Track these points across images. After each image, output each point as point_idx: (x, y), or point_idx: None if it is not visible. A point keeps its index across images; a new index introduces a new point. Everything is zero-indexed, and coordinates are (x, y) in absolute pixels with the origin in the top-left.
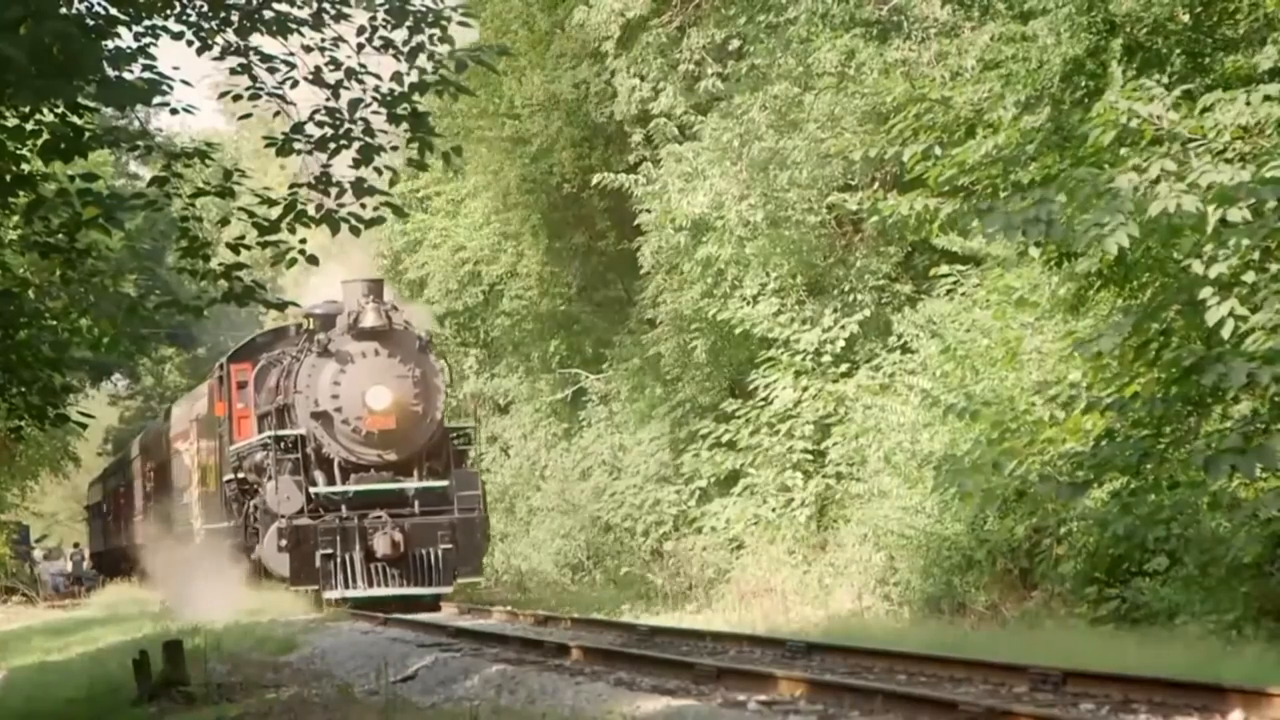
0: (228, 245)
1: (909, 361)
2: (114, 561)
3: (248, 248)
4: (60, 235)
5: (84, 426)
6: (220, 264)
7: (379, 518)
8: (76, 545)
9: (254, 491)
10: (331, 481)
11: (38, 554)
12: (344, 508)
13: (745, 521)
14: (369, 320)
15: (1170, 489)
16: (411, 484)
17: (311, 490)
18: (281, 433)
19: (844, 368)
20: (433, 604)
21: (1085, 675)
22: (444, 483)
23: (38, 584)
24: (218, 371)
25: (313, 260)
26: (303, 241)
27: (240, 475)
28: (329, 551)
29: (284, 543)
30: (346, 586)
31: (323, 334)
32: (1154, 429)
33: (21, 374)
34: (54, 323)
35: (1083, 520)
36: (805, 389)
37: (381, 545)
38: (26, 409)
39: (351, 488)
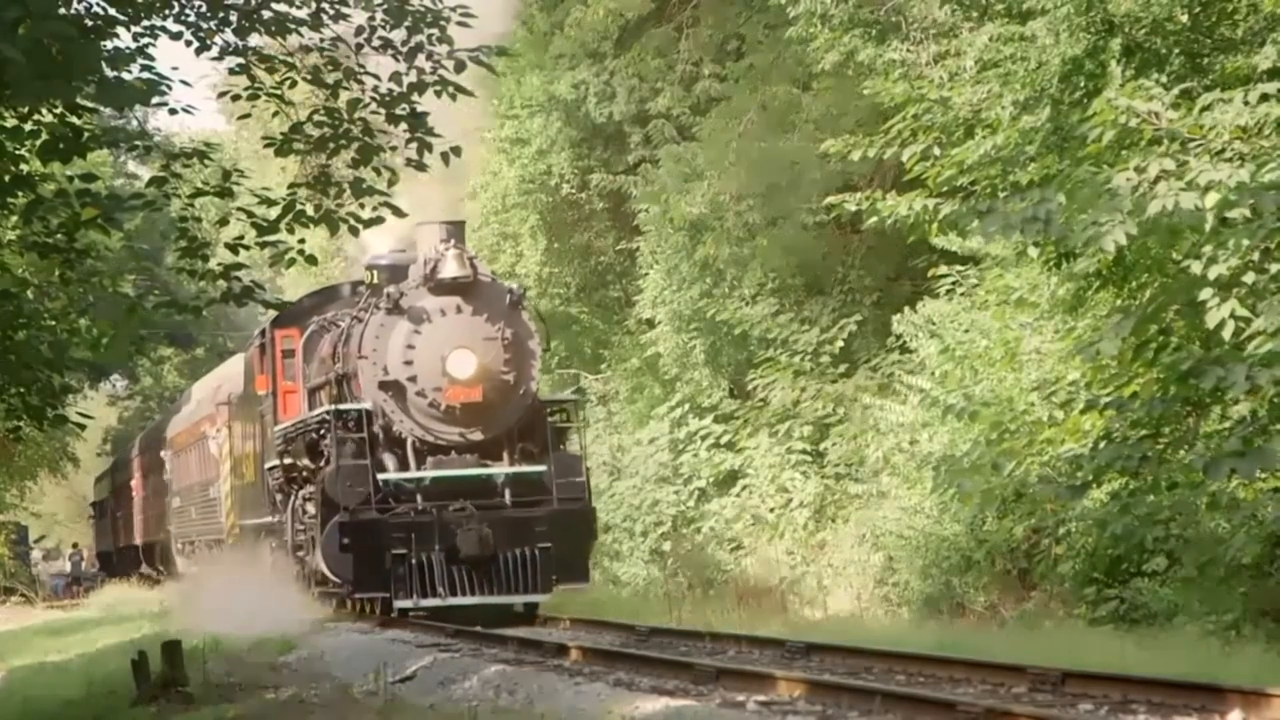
0: (226, 245)
1: (908, 362)
2: (122, 562)
3: (246, 248)
4: (59, 236)
5: (82, 427)
6: (219, 264)
7: (463, 510)
8: (75, 545)
9: (305, 480)
10: (404, 466)
11: (36, 554)
12: (419, 498)
13: (744, 522)
14: (450, 269)
15: (1169, 489)
16: (502, 469)
17: (380, 477)
18: (343, 407)
19: (843, 368)
20: (527, 616)
21: (1084, 676)
22: (540, 468)
23: (36, 584)
24: (258, 340)
25: (311, 260)
26: (301, 241)
27: (287, 461)
28: (402, 551)
29: (346, 540)
30: (423, 594)
31: (392, 287)
32: (1153, 430)
33: (20, 374)
34: (53, 323)
35: (1081, 521)
36: (804, 389)
37: (467, 544)
38: (25, 409)
39: (429, 473)
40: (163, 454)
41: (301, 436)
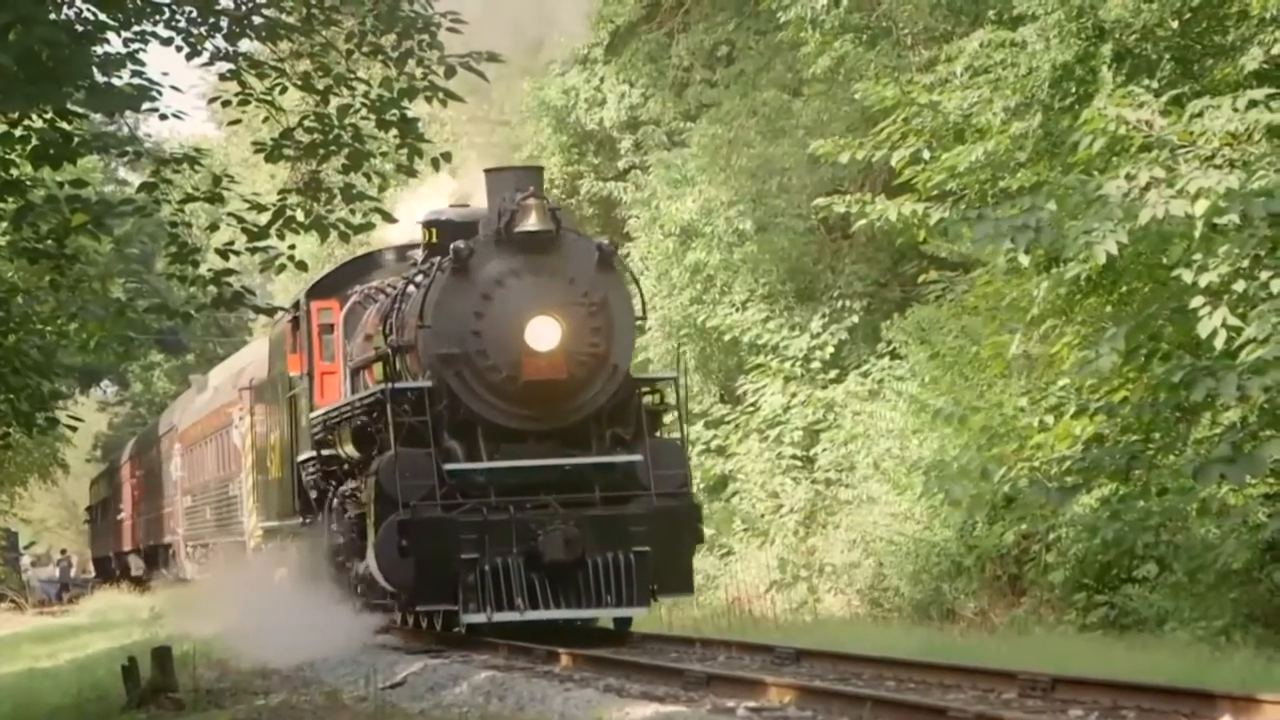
0: (217, 251)
1: (898, 367)
2: (120, 569)
3: (237, 253)
4: (49, 241)
5: (73, 429)
6: (209, 270)
7: (545, 508)
8: (64, 552)
9: (347, 473)
10: (474, 455)
11: (26, 560)
12: (492, 493)
13: (735, 527)
14: (530, 222)
15: (1159, 495)
16: (590, 459)
17: (445, 467)
18: (401, 385)
19: (833, 374)
20: (621, 632)
21: (1074, 681)
22: (635, 457)
23: (26, 590)
24: (291, 314)
25: (301, 266)
26: (292, 247)
27: (326, 452)
28: (472, 556)
29: (405, 542)
30: (498, 606)
31: (460, 243)
32: (1143, 434)
33: (10, 380)
34: (42, 328)
35: (1072, 526)
36: (794, 395)
37: (550, 547)
38: (15, 415)
39: (503, 464)
40: (172, 449)
41: (346, 422)
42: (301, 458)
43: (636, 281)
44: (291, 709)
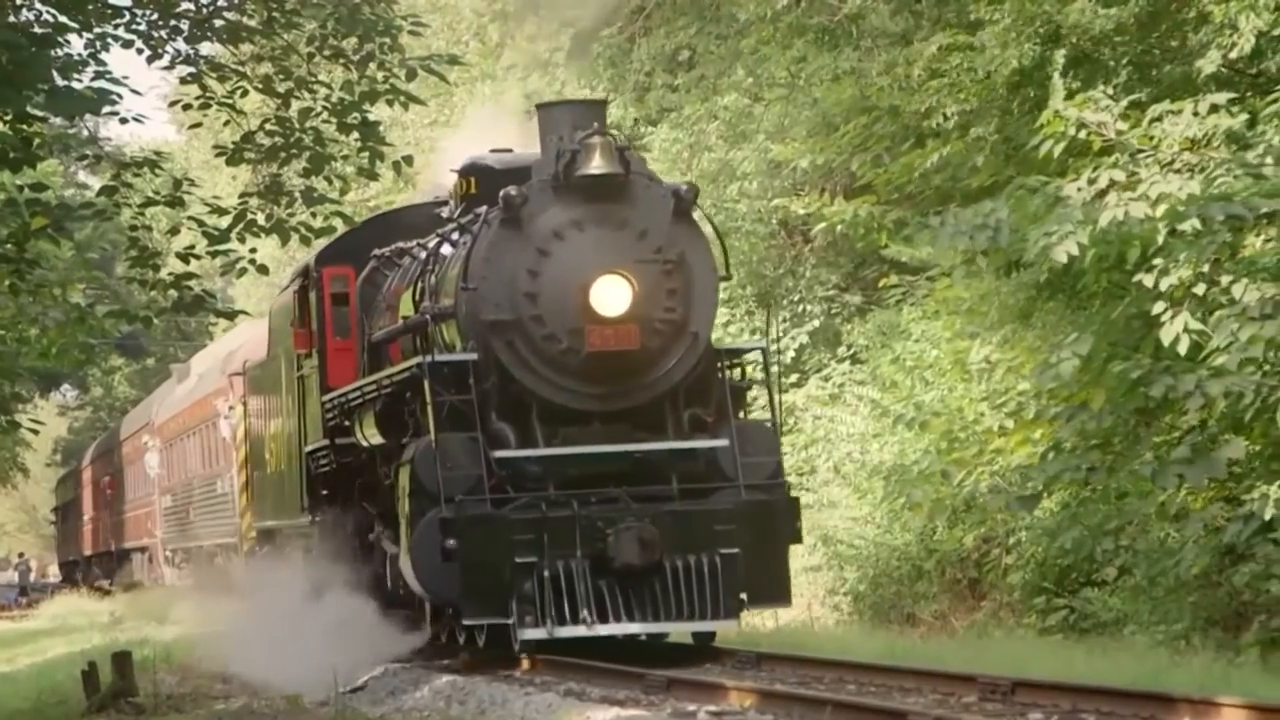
0: (178, 255)
1: (858, 372)
2: (89, 574)
3: (197, 257)
4: (9, 245)
5: (35, 433)
6: (170, 274)
7: (614, 502)
8: (21, 555)
9: (366, 467)
10: (528, 440)
11: None
12: (551, 485)
13: None
14: (594, 164)
15: (1119, 499)
16: (666, 444)
17: (495, 454)
18: (440, 358)
19: (794, 378)
20: (704, 647)
21: (1034, 685)
22: (719, 442)
23: None
24: (298, 283)
25: (263, 270)
26: (253, 251)
27: (340, 441)
28: (529, 560)
29: (450, 544)
30: (560, 620)
31: (511, 189)
32: (1103, 440)
33: None
34: (3, 333)
35: (1031, 530)
36: (754, 399)
37: (623, 549)
38: None
39: (563, 450)
40: (149, 445)
41: (369, 405)
42: (310, 448)
43: (719, 233)
44: (252, 713)
